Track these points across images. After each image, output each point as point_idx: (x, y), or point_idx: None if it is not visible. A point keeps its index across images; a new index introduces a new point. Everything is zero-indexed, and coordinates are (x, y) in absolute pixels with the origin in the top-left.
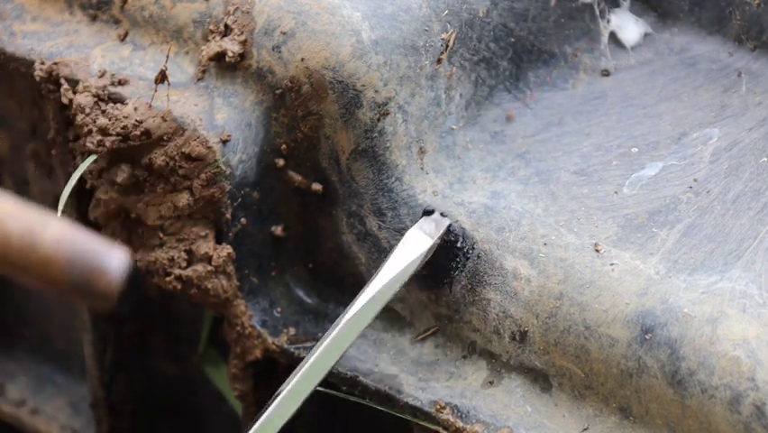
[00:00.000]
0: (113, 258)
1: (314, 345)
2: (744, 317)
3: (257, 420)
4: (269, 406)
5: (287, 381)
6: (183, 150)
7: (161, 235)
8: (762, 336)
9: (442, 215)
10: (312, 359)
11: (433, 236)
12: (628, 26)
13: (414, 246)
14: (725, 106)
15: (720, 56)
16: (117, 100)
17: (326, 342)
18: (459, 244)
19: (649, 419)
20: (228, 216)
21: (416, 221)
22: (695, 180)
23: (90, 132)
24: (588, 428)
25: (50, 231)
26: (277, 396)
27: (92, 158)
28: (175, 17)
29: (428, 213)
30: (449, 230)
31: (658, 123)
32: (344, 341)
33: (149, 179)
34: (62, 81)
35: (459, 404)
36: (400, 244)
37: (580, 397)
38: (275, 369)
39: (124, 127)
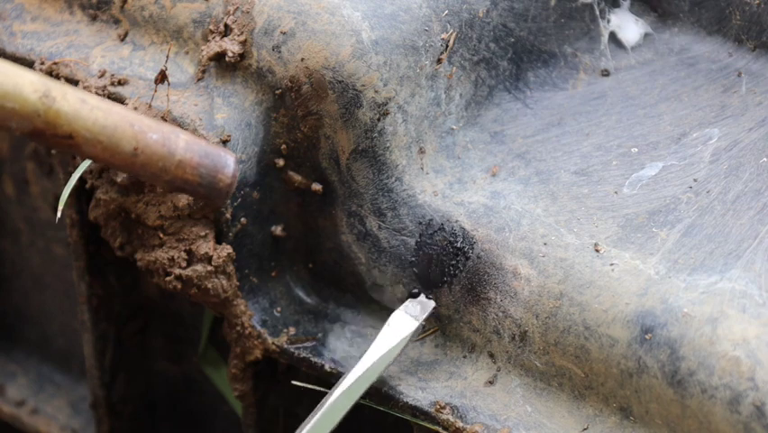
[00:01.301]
0: (229, 159)
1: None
2: (744, 317)
3: None
4: None
5: None
6: None
7: (161, 235)
8: (762, 336)
9: (427, 297)
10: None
11: (418, 318)
12: (628, 26)
13: (399, 329)
14: (725, 106)
15: (720, 56)
16: (117, 100)
17: (312, 422)
18: (458, 245)
19: (649, 419)
20: (228, 216)
21: (416, 221)
22: (695, 180)
23: None
24: (588, 428)
25: (182, 138)
26: None
27: None
28: (175, 17)
29: (414, 295)
30: (451, 232)
31: (658, 123)
32: (332, 419)
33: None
34: (62, 81)
35: (459, 404)
36: (385, 326)
37: (580, 397)
38: (275, 369)
39: None
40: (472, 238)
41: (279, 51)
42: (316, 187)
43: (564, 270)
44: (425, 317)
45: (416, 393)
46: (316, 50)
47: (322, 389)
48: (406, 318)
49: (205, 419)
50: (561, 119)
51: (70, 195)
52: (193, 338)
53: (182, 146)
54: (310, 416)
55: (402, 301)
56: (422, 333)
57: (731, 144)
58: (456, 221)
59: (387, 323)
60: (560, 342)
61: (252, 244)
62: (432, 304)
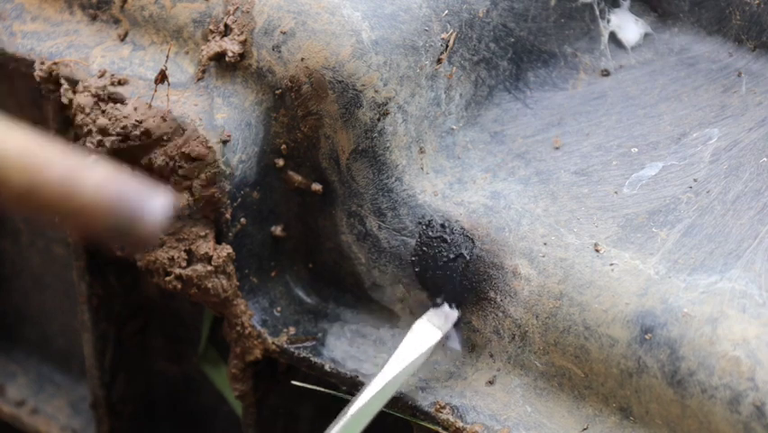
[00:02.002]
0: (155, 202)
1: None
2: (744, 317)
3: None
4: None
5: None
6: (183, 150)
7: (161, 235)
8: (762, 336)
9: (450, 307)
10: None
11: (442, 329)
12: (628, 26)
13: (422, 339)
14: (725, 106)
15: (720, 56)
16: (117, 100)
17: (338, 427)
18: (458, 244)
19: (649, 419)
20: (228, 216)
21: (416, 221)
22: (695, 180)
23: (90, 132)
24: (588, 427)
25: (93, 177)
26: None
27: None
28: (175, 17)
29: (437, 304)
30: (451, 232)
31: (658, 123)
32: (354, 429)
33: (149, 179)
34: (62, 81)
35: (459, 404)
36: (409, 334)
37: (580, 397)
38: (275, 369)
39: (124, 127)
40: (472, 238)
41: (279, 51)
42: (316, 187)
43: (564, 270)
44: (448, 327)
45: (416, 393)
46: (316, 50)
47: (322, 389)
48: (430, 328)
49: (205, 419)
50: (561, 119)
51: None
52: (193, 338)
53: (91, 187)
54: (332, 425)
55: (402, 301)
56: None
57: (731, 144)
58: (456, 221)
59: (410, 331)
60: (560, 342)
61: (252, 243)
62: (455, 314)
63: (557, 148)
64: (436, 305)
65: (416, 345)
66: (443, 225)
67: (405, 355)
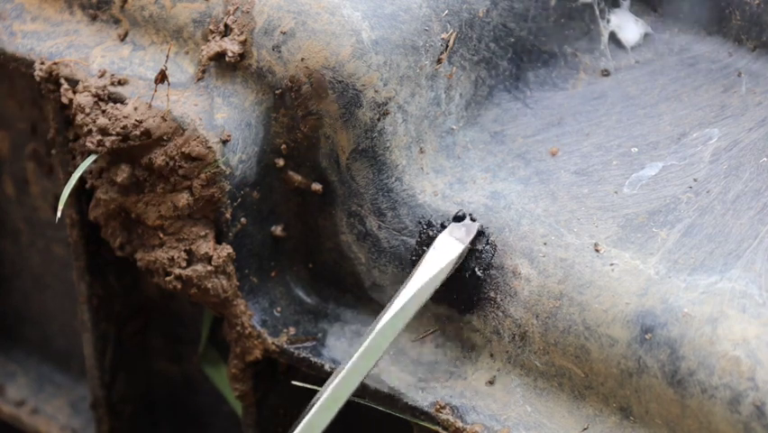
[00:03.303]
0: None
1: (338, 364)
2: (744, 317)
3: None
4: (307, 412)
5: (324, 386)
6: (183, 150)
7: (161, 235)
8: (762, 336)
9: (472, 219)
10: (350, 364)
11: (464, 241)
12: (628, 26)
13: (445, 252)
14: (725, 106)
15: (720, 56)
16: (117, 100)
17: (364, 346)
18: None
19: (649, 418)
20: (228, 215)
21: (416, 221)
22: (695, 180)
23: (90, 132)
24: (588, 427)
25: None
26: (314, 404)
27: (92, 158)
28: (175, 17)
29: (458, 219)
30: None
31: (658, 123)
32: (380, 346)
33: (149, 179)
34: (62, 81)
35: (459, 404)
36: (431, 249)
37: (580, 397)
38: (275, 369)
39: (124, 127)
40: (492, 240)
41: (279, 51)
42: (316, 187)
43: (564, 270)
44: (470, 239)
45: (416, 393)
46: (316, 50)
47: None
48: (452, 241)
49: (205, 419)
50: (561, 119)
51: (70, 195)
52: (193, 338)
53: None
54: (369, 328)
55: None
56: (422, 333)
57: (731, 144)
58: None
59: (432, 246)
60: (560, 342)
61: (252, 244)
62: (476, 226)
63: (554, 155)
64: (457, 219)
65: (440, 258)
66: (442, 225)
67: (430, 268)
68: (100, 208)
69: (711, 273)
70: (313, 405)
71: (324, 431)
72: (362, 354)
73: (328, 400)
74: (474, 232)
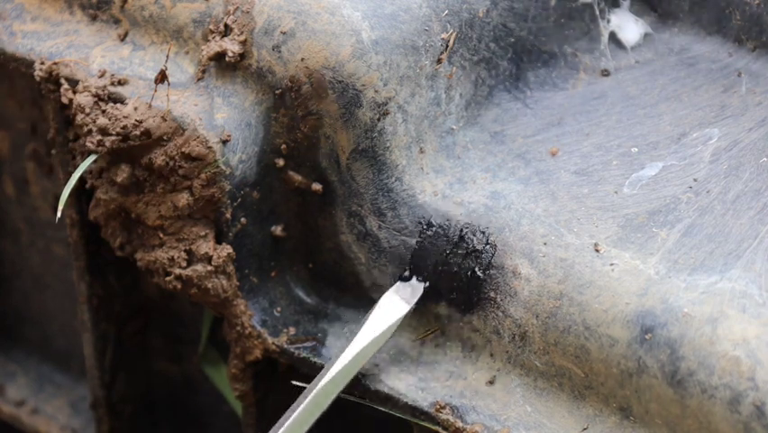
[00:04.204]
0: None
1: (291, 406)
2: (744, 317)
3: None
4: None
5: None
6: (183, 150)
7: (161, 235)
8: (762, 336)
9: (418, 280)
10: (293, 416)
11: (409, 302)
12: (628, 26)
13: (390, 312)
14: (725, 106)
15: (720, 56)
16: (117, 100)
17: (301, 408)
18: (479, 247)
19: (649, 419)
20: (228, 215)
21: (416, 221)
22: (695, 180)
23: (90, 132)
24: (588, 427)
25: None
26: None
27: (92, 158)
28: (175, 17)
29: (405, 279)
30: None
31: (658, 123)
32: (321, 404)
33: (149, 179)
34: (62, 81)
35: (459, 404)
36: (375, 309)
37: (580, 397)
38: (275, 369)
39: (124, 127)
40: (493, 241)
41: (279, 51)
42: (316, 187)
43: (564, 270)
44: (415, 300)
45: (416, 393)
46: (316, 50)
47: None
48: (397, 301)
49: (205, 419)
50: (561, 119)
51: (70, 195)
52: (193, 338)
53: None
54: (297, 402)
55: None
56: (422, 333)
57: (731, 144)
58: (456, 221)
59: (377, 305)
60: (560, 342)
61: (252, 244)
62: (421, 287)
63: (554, 155)
64: (404, 279)
65: (384, 318)
66: (441, 226)
67: (372, 329)
68: (100, 208)
69: (711, 273)
70: None
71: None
72: (301, 412)
73: None
74: (420, 292)
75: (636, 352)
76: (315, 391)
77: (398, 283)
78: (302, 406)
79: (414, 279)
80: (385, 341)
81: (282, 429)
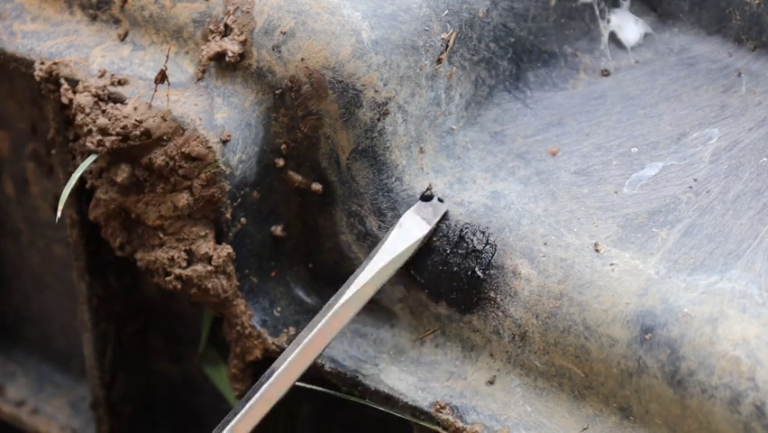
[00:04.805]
0: None
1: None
2: (744, 317)
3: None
4: (276, 368)
5: (286, 351)
6: (183, 150)
7: (161, 235)
8: (762, 336)
9: (439, 200)
10: (312, 334)
11: (430, 222)
12: (628, 26)
13: (410, 231)
14: (725, 106)
15: (720, 56)
16: (117, 100)
17: (323, 321)
18: (479, 247)
19: (649, 418)
20: (228, 215)
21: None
22: (695, 180)
23: (90, 132)
24: (588, 427)
25: None
26: (277, 367)
27: (92, 158)
28: (175, 17)
29: (426, 198)
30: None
31: (658, 123)
32: (341, 320)
33: (149, 178)
34: (62, 81)
35: (459, 404)
36: (396, 227)
37: (580, 397)
38: None
39: (124, 127)
40: (493, 240)
41: (279, 51)
42: (316, 187)
43: (564, 270)
44: (436, 220)
45: (416, 393)
46: (316, 50)
47: (322, 389)
48: (418, 220)
49: (205, 419)
50: (561, 119)
51: (70, 195)
52: (193, 338)
53: None
54: (318, 315)
55: (402, 301)
56: (422, 333)
57: (731, 144)
58: (456, 221)
59: (398, 224)
60: (560, 342)
61: (252, 244)
62: (444, 207)
63: (554, 155)
64: (425, 198)
65: (405, 236)
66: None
67: (394, 246)
68: (100, 208)
69: (711, 273)
70: (273, 370)
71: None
72: (322, 327)
73: (288, 366)
74: (441, 213)
75: (636, 352)
76: (338, 305)
77: (419, 203)
78: (326, 318)
79: (435, 198)
80: (405, 261)
81: (307, 339)
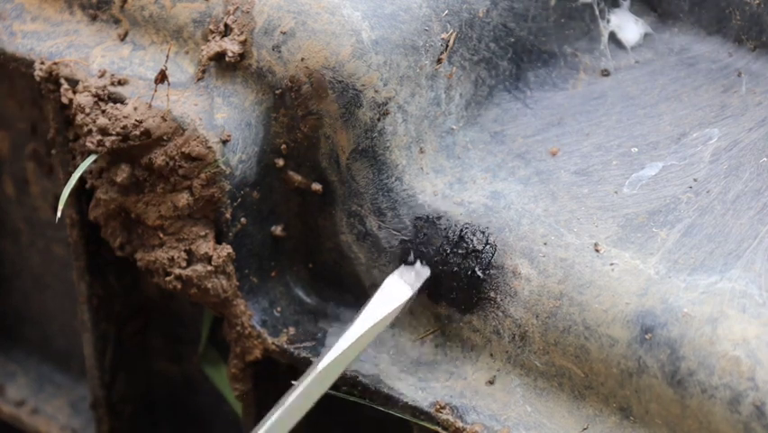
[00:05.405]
0: None
1: (286, 394)
2: (744, 317)
3: None
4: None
5: (262, 422)
6: (183, 149)
7: (161, 235)
8: (762, 336)
9: (421, 263)
10: (288, 402)
11: (413, 286)
12: (628, 26)
13: (393, 296)
14: (725, 106)
15: (720, 56)
16: (117, 100)
17: (300, 388)
18: (479, 247)
19: (649, 419)
20: (228, 215)
21: (414, 221)
22: (695, 180)
23: (90, 131)
24: (588, 427)
25: None
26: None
27: (92, 158)
28: (175, 17)
29: (409, 263)
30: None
31: (658, 123)
32: (321, 387)
33: (149, 178)
34: (62, 81)
35: (459, 404)
36: (378, 292)
37: (580, 397)
38: (275, 369)
39: (124, 127)
40: (492, 241)
41: (279, 51)
42: (316, 187)
43: (564, 270)
44: (419, 285)
45: (416, 393)
46: (316, 50)
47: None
48: (401, 285)
49: (205, 419)
50: (561, 119)
51: (70, 195)
52: (193, 338)
53: None
54: (294, 386)
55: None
56: (422, 333)
57: (731, 144)
58: (456, 221)
59: (380, 288)
60: (560, 342)
61: (252, 244)
62: (427, 272)
63: (554, 155)
64: (408, 262)
65: (387, 301)
66: (430, 218)
67: (375, 312)
68: (100, 208)
69: (711, 273)
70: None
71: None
72: (300, 395)
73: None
74: (424, 277)
75: (636, 352)
76: (312, 375)
77: (402, 267)
78: (299, 389)
79: (418, 263)
80: (386, 326)
81: (280, 411)
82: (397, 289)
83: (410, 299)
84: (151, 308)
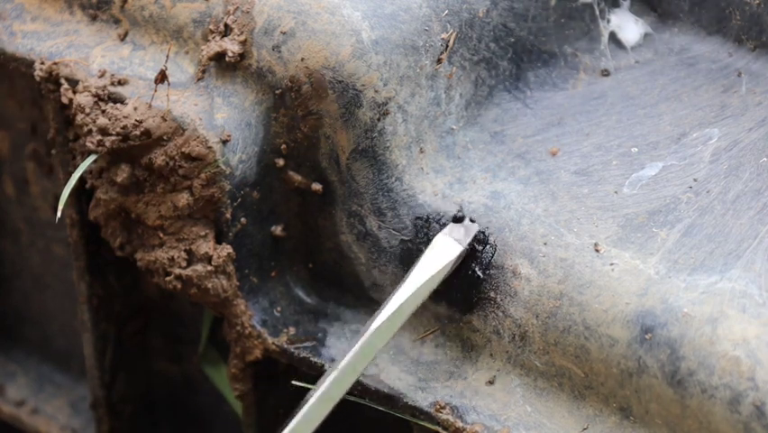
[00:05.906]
0: None
1: (331, 364)
2: (744, 317)
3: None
4: (297, 412)
5: (315, 386)
6: (183, 149)
7: (161, 235)
8: (762, 336)
9: (471, 220)
10: (342, 365)
11: (462, 243)
12: (628, 26)
13: (443, 253)
14: (725, 106)
15: (720, 56)
16: (117, 100)
17: (356, 348)
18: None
19: (649, 419)
20: (228, 215)
21: (414, 220)
22: (695, 180)
23: (90, 131)
24: (588, 428)
25: None
26: (308, 400)
27: (92, 158)
28: (175, 17)
29: (458, 219)
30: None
31: (658, 123)
32: (374, 347)
33: (149, 178)
34: (62, 81)
35: (459, 404)
36: (429, 249)
37: (580, 397)
38: (275, 369)
39: (124, 127)
40: (493, 242)
41: (279, 51)
42: (316, 187)
43: (564, 270)
44: (469, 240)
45: (416, 393)
46: (316, 50)
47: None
48: (450, 242)
49: (205, 419)
50: (561, 119)
51: (70, 195)
52: (193, 338)
53: None
54: (364, 329)
55: None
56: (422, 333)
57: (731, 144)
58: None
59: (430, 246)
60: (560, 342)
61: (252, 244)
62: (476, 227)
63: (554, 155)
64: (457, 219)
65: (438, 258)
66: (439, 223)
67: (427, 268)
68: (100, 208)
69: (711, 273)
70: (306, 401)
71: (319, 429)
72: (358, 353)
73: (322, 398)
74: (473, 233)
75: (636, 352)
76: (374, 326)
77: (451, 224)
78: (361, 341)
79: (467, 219)
80: (438, 282)
81: (335, 373)
82: (448, 245)
83: (461, 254)
84: (151, 308)
